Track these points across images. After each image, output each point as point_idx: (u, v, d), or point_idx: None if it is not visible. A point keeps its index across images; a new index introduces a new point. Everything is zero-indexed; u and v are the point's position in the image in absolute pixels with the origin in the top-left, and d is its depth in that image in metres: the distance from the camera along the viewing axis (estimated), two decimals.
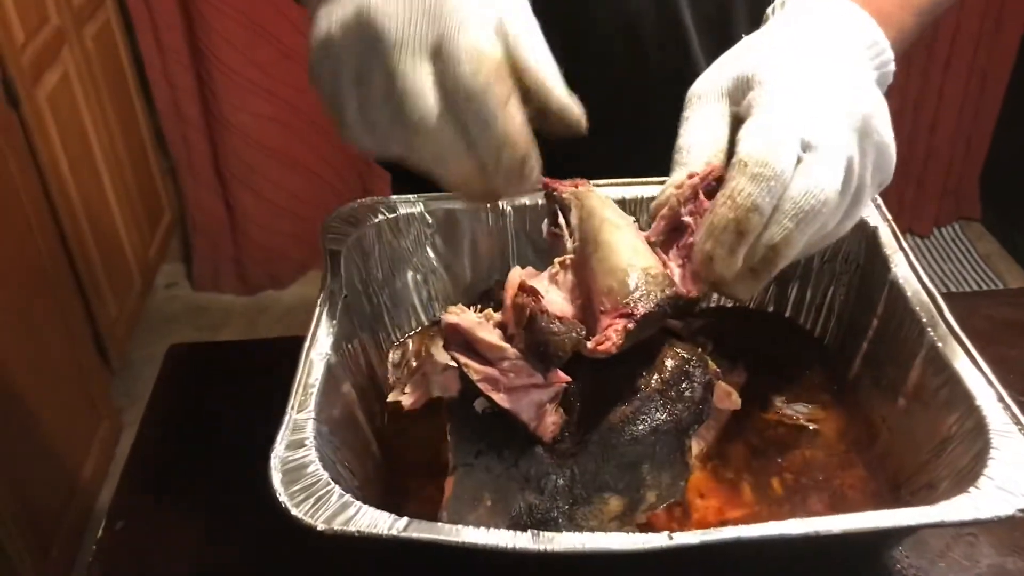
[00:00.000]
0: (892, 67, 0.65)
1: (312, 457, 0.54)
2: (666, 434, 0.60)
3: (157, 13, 2.30)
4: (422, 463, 0.68)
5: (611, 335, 0.55)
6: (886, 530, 0.51)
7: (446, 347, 0.58)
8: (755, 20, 0.85)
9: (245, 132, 2.46)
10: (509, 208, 0.78)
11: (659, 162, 0.78)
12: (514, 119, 0.52)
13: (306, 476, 0.53)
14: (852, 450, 0.69)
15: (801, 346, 0.78)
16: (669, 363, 0.62)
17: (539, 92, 0.54)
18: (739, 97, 0.61)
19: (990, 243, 2.82)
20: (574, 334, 0.56)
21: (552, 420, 0.57)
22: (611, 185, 0.77)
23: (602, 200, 0.65)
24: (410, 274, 0.78)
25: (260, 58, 2.34)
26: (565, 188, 0.66)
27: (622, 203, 0.77)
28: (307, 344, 0.62)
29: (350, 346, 0.68)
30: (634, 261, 0.59)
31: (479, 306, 0.60)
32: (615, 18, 0.83)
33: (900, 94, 2.51)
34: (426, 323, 0.80)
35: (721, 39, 0.85)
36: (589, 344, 0.56)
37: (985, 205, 2.85)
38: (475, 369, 0.57)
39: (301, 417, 0.57)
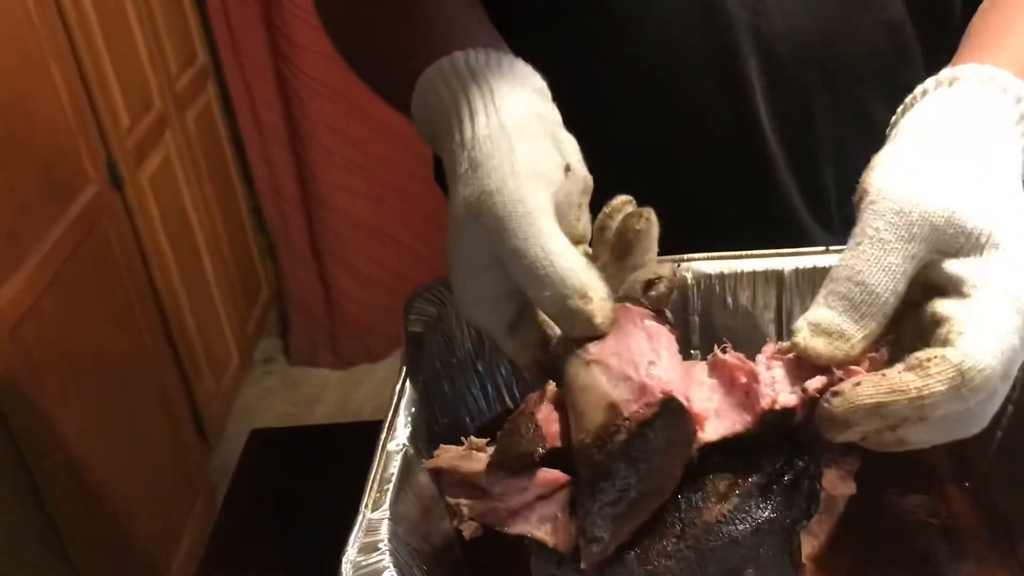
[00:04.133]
0: None
1: (387, 562, 0.50)
2: (771, 533, 0.53)
3: (256, 95, 2.37)
4: (512, 561, 0.63)
5: None
6: None
7: (441, 494, 0.53)
8: (842, 114, 0.79)
9: (341, 209, 2.49)
10: None
11: (733, 242, 0.73)
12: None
13: None
14: (986, 547, 0.61)
15: None
16: (769, 453, 0.56)
17: None
18: (950, 246, 0.49)
19: None
20: (532, 447, 0.50)
21: (570, 532, 0.51)
22: (709, 259, 0.72)
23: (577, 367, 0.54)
24: (496, 355, 0.74)
25: (355, 136, 2.38)
26: None
27: (720, 278, 0.72)
28: (383, 435, 0.59)
29: (430, 435, 0.64)
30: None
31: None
32: (687, 109, 0.78)
33: None
34: (512, 409, 0.75)
35: (799, 135, 0.80)
36: None
37: None
38: (468, 507, 0.52)
39: (376, 516, 0.53)
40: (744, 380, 0.53)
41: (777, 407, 0.51)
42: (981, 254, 0.48)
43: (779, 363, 0.52)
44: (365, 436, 0.60)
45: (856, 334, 0.49)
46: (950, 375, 0.45)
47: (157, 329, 1.96)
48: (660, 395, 0.50)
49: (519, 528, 0.52)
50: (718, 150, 0.80)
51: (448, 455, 0.53)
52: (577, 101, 0.60)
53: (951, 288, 0.48)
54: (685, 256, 0.73)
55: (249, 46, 2.32)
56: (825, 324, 0.49)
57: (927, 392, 0.45)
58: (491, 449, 0.54)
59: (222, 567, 0.74)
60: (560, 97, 0.59)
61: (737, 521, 0.53)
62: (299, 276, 2.63)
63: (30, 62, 1.55)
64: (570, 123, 0.58)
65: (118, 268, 1.80)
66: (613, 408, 0.50)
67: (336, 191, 2.47)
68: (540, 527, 0.51)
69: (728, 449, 0.55)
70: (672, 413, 0.50)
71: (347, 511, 0.54)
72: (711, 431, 0.53)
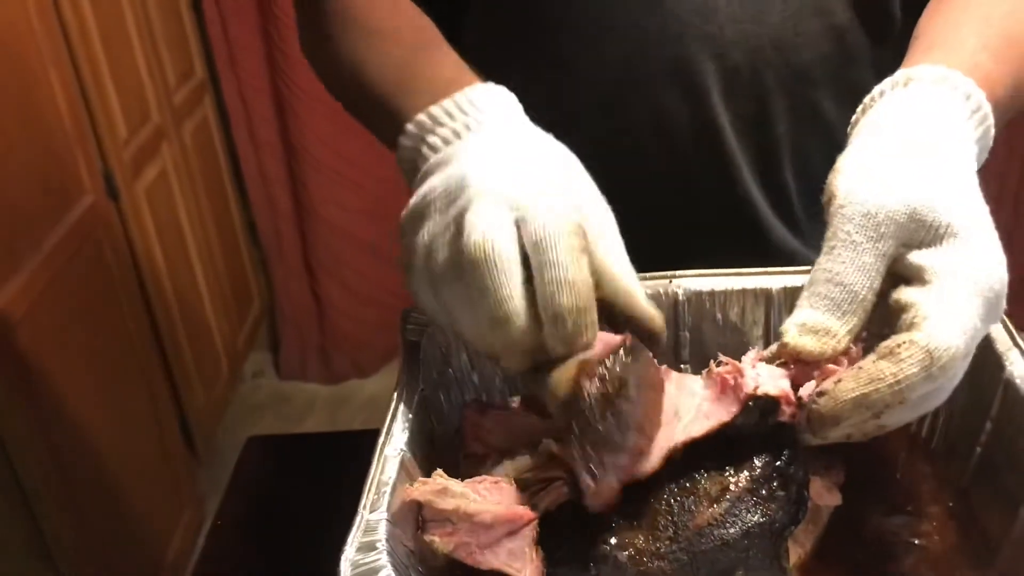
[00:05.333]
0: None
1: (384, 561, 0.52)
2: (760, 537, 0.56)
3: (252, 110, 2.39)
4: None
5: None
6: None
7: (420, 530, 0.56)
8: (797, 115, 0.83)
9: (333, 223, 2.51)
10: None
11: (700, 253, 0.75)
12: (582, 270, 0.52)
13: None
14: (968, 567, 0.63)
15: (905, 449, 0.72)
16: (759, 458, 0.58)
17: (621, 299, 0.55)
18: (913, 239, 0.53)
19: None
20: None
21: (537, 565, 0.53)
22: (699, 276, 0.74)
23: None
24: (490, 368, 0.76)
25: (349, 152, 2.40)
26: None
27: (711, 295, 0.74)
28: (382, 440, 0.60)
29: (427, 442, 0.65)
30: None
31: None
32: (647, 116, 0.81)
33: (999, 180, 2.43)
34: None
35: (759, 137, 0.83)
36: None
37: None
38: (442, 542, 0.54)
39: (374, 517, 0.54)
40: (732, 381, 0.56)
41: (760, 392, 0.54)
42: (941, 244, 0.52)
43: (763, 362, 0.55)
44: (360, 444, 0.62)
45: (841, 330, 0.52)
46: (920, 357, 0.49)
47: (148, 340, 1.97)
48: (619, 339, 0.53)
49: (490, 563, 0.54)
50: (681, 155, 0.82)
51: (424, 488, 0.55)
52: (539, 112, 0.62)
53: (914, 277, 0.52)
54: (676, 272, 0.74)
55: (246, 61, 2.34)
56: (811, 323, 0.53)
57: (902, 376, 0.49)
58: (461, 485, 0.57)
59: (217, 571, 0.75)
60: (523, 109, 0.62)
61: (728, 524, 0.55)
62: (291, 290, 2.64)
63: (30, 71, 1.56)
64: None
65: (112, 278, 1.80)
66: (583, 364, 0.52)
67: (330, 206, 2.49)
68: (510, 563, 0.54)
69: (718, 452, 0.57)
70: (634, 348, 0.53)
71: (344, 516, 0.55)
72: (698, 429, 0.55)
